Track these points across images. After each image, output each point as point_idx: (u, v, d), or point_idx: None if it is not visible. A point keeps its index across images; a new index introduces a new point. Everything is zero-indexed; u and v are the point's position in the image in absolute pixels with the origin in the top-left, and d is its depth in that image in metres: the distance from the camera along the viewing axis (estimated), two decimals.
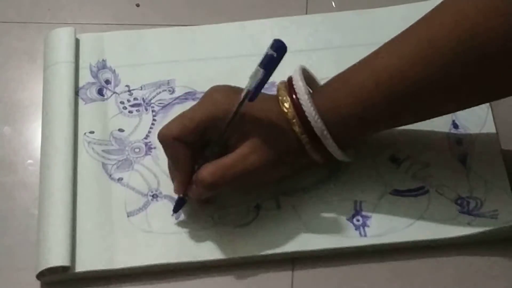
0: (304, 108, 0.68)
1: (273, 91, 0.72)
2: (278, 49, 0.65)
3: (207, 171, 0.69)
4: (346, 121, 0.69)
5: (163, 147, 0.71)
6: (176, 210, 0.73)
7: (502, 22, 0.62)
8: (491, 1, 0.62)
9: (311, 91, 0.71)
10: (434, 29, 0.65)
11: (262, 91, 0.68)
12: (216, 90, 0.71)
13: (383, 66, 0.67)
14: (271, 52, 0.65)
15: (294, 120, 0.69)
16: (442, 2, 0.66)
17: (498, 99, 0.71)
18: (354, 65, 0.70)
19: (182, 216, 0.74)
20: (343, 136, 0.70)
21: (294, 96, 0.69)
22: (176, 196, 0.73)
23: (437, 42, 0.64)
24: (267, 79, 0.66)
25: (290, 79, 0.71)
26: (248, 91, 0.67)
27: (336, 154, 0.71)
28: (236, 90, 0.69)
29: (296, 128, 0.69)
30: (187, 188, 0.71)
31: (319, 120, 0.68)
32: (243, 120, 0.68)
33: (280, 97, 0.70)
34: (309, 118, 0.68)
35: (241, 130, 0.69)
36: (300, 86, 0.69)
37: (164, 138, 0.70)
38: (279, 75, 0.70)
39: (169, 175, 0.75)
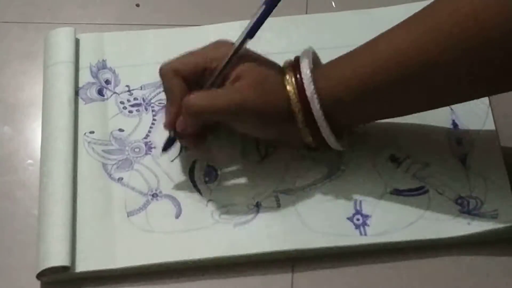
0: (303, 74, 0.69)
1: None
2: None
3: (196, 95, 0.70)
4: (344, 106, 0.69)
5: (162, 79, 0.73)
6: (165, 148, 0.74)
7: (503, 9, 0.62)
8: None
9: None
10: (438, 16, 0.65)
11: None
12: (222, 39, 0.73)
13: (382, 50, 0.68)
14: None
15: (287, 77, 0.70)
16: None
17: (498, 93, 0.71)
18: (356, 48, 0.70)
19: (182, 215, 0.74)
20: (339, 121, 0.70)
21: (297, 66, 0.70)
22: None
23: (440, 28, 0.65)
24: (267, 16, 0.68)
25: (297, 60, 0.72)
26: (249, 28, 0.69)
27: (324, 131, 0.70)
28: None
29: (292, 95, 0.69)
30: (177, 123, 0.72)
31: (312, 86, 0.69)
32: (242, 62, 0.70)
33: (283, 64, 0.72)
34: (304, 82, 0.69)
35: (237, 72, 0.70)
36: (305, 61, 0.70)
37: (164, 70, 0.72)
38: None
39: (169, 175, 0.75)
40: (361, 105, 0.70)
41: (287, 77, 0.70)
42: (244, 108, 0.70)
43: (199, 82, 0.72)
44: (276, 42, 0.83)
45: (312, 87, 0.69)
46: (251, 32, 0.70)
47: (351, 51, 0.70)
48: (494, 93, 0.73)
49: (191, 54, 0.73)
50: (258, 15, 0.69)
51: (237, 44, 0.70)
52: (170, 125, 0.73)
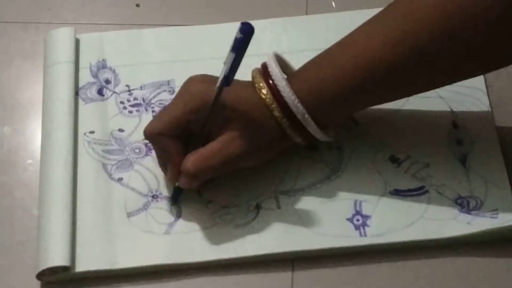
0: (283, 93, 0.69)
1: None
2: (245, 31, 0.66)
3: (190, 160, 0.70)
4: (325, 103, 0.69)
5: (151, 143, 0.73)
6: (174, 199, 0.74)
7: (477, 3, 0.62)
8: None
9: (285, 76, 0.71)
10: (413, 10, 0.65)
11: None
12: (193, 81, 0.72)
13: (361, 48, 0.68)
14: (239, 35, 0.66)
15: (273, 106, 0.69)
16: None
17: (484, 73, 0.73)
18: (331, 48, 0.70)
19: (182, 217, 0.74)
20: (323, 117, 0.70)
21: (270, 82, 0.70)
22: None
23: (416, 23, 0.65)
24: (239, 62, 0.67)
25: (264, 65, 0.72)
26: (224, 77, 0.67)
27: (318, 136, 0.71)
28: (212, 78, 0.70)
29: (276, 113, 0.70)
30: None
31: (299, 104, 0.69)
32: (222, 109, 0.69)
33: (256, 84, 0.71)
34: (288, 103, 0.69)
35: (221, 119, 0.70)
36: (276, 72, 0.70)
37: (149, 135, 0.72)
38: None
39: None
40: (342, 102, 0.70)
41: (273, 105, 0.69)
42: (241, 156, 0.70)
43: (186, 131, 0.71)
44: (276, 42, 0.83)
45: (301, 108, 0.69)
46: (226, 81, 0.67)
47: (326, 51, 0.70)
48: (480, 74, 0.75)
49: (168, 111, 0.71)
50: (229, 63, 0.66)
51: (215, 94, 0.68)
52: (174, 179, 0.72)
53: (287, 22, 0.85)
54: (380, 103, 0.73)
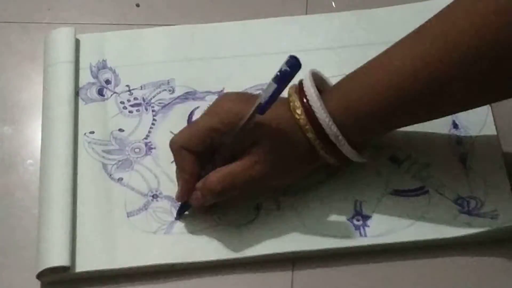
0: (317, 114, 0.68)
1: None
2: (292, 65, 0.65)
3: (217, 177, 0.69)
4: (360, 123, 0.68)
5: (173, 154, 0.72)
6: (180, 213, 0.74)
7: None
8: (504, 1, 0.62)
9: (319, 95, 0.70)
10: (448, 29, 0.64)
11: None
12: (226, 98, 0.72)
13: (396, 67, 0.66)
14: (285, 67, 0.65)
15: (307, 127, 0.69)
16: (454, 1, 0.65)
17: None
18: (366, 65, 0.69)
19: (182, 217, 0.74)
20: (357, 137, 0.69)
21: (305, 101, 0.69)
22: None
23: (451, 42, 0.64)
24: (279, 94, 0.66)
25: (300, 83, 0.71)
26: (260, 104, 0.66)
27: (352, 157, 0.70)
28: (246, 98, 0.69)
29: (310, 135, 0.69)
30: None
31: (333, 126, 0.68)
32: (253, 128, 0.68)
33: (291, 103, 0.70)
34: (323, 125, 0.68)
35: (250, 138, 0.69)
36: (311, 92, 0.69)
37: (173, 146, 0.71)
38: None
39: (169, 176, 0.75)
40: (376, 121, 0.69)
41: (307, 127, 0.69)
42: (267, 177, 0.69)
43: (210, 148, 0.71)
44: (276, 42, 0.83)
45: (335, 130, 0.68)
46: (262, 110, 0.66)
47: (362, 67, 0.69)
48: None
49: (195, 126, 0.71)
50: (270, 92, 0.65)
51: (247, 118, 0.67)
52: (183, 198, 0.72)
53: (287, 22, 0.85)
54: (416, 123, 0.72)
